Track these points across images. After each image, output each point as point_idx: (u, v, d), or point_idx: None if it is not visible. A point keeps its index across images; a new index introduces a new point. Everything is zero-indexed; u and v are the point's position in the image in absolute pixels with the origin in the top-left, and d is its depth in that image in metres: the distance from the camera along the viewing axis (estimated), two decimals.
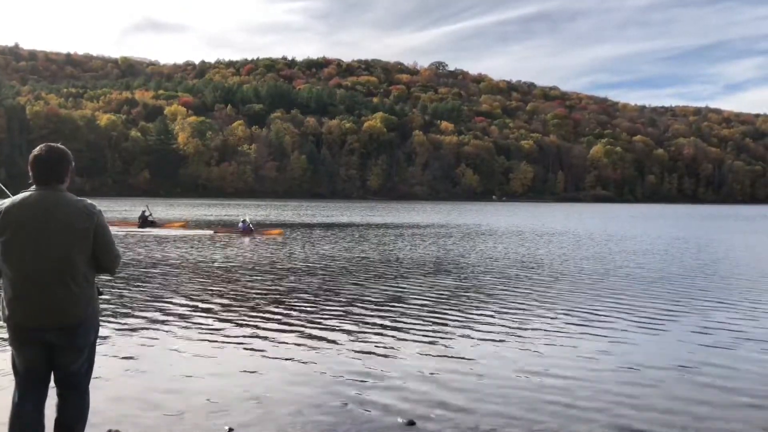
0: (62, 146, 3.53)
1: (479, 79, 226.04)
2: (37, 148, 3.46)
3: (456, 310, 10.19)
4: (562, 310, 10.30)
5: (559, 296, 11.81)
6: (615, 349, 7.72)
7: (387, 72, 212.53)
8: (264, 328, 8.51)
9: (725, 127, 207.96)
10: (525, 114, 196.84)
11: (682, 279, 14.73)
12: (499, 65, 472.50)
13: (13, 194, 3.44)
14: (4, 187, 3.68)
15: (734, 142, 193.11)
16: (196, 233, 27.60)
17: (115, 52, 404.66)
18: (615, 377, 6.51)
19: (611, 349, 7.72)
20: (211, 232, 28.65)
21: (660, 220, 52.61)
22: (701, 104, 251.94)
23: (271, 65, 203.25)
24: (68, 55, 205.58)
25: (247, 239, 24.73)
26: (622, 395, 5.88)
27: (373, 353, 7.27)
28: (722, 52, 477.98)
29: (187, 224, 32.35)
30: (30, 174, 3.41)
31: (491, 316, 9.66)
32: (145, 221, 29.53)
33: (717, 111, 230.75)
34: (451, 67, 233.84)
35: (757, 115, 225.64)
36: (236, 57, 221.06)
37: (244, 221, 27.75)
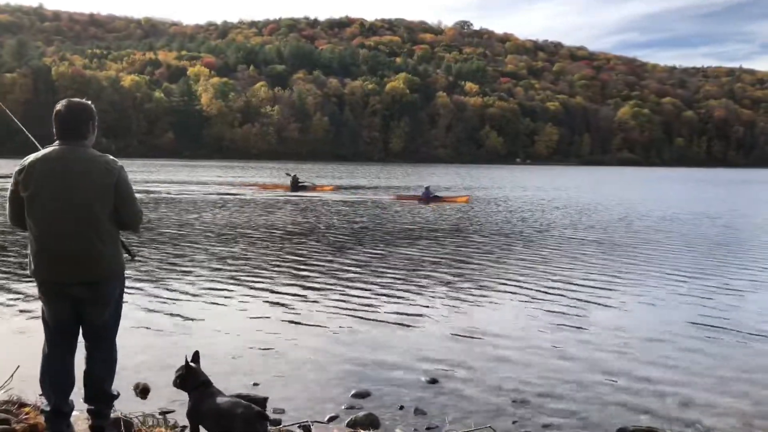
0: (85, 101, 3.48)
1: (505, 38, 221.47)
2: (59, 103, 3.43)
3: (478, 273, 10.18)
4: (582, 273, 10.23)
5: (579, 259, 11.73)
6: (634, 312, 7.66)
7: (410, 31, 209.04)
8: (294, 291, 8.58)
9: (759, 88, 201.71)
10: (551, 75, 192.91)
11: (701, 249, 14.50)
12: (526, 24, 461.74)
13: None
14: (35, 141, 3.66)
15: None
16: (377, 198, 27.08)
17: (137, 12, 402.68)
18: (633, 338, 6.46)
19: (631, 311, 7.66)
20: (391, 197, 27.49)
21: (687, 185, 51.68)
22: (736, 64, 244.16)
23: (293, 25, 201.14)
24: (92, 15, 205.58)
25: (426, 207, 23.39)
26: (641, 358, 5.84)
27: (397, 314, 7.31)
28: (759, 9, 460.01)
29: (336, 188, 32.47)
30: (54, 130, 3.39)
31: (513, 279, 9.62)
32: (296, 185, 31.04)
33: (751, 72, 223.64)
34: (476, 26, 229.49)
35: None
36: (258, 17, 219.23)
37: (427, 188, 26.48)
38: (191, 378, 3.48)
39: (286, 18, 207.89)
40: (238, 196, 26.58)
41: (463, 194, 27.69)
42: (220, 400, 3.34)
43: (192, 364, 3.53)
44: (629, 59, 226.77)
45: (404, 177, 53.66)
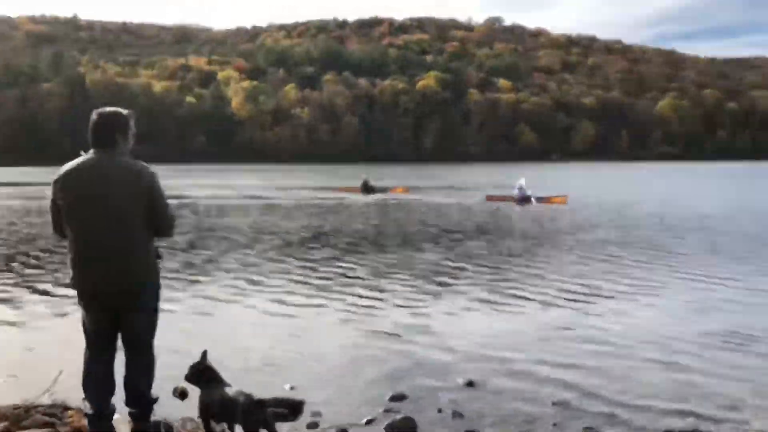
0: (118, 109, 3.54)
1: (537, 33, 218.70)
2: (94, 112, 3.50)
3: (514, 276, 10.05)
4: (621, 274, 10.07)
5: (618, 261, 11.51)
6: (676, 313, 7.46)
7: (440, 29, 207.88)
8: (330, 292, 8.60)
9: None
10: (586, 69, 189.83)
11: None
12: (559, 18, 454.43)
13: None
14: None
15: None
16: (465, 202, 25.12)
17: (168, 19, 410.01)
18: (675, 340, 6.27)
19: (673, 313, 7.46)
20: (481, 198, 25.65)
21: (728, 181, 50.31)
22: None
23: (322, 27, 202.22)
24: (124, 23, 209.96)
25: (518, 208, 21.67)
26: (684, 360, 5.68)
27: (432, 316, 7.26)
28: None
29: (408, 189, 32.71)
30: (88, 138, 3.46)
31: (549, 281, 9.49)
32: (367, 188, 31.56)
33: None
34: (507, 22, 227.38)
35: None
36: (288, 20, 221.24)
37: (520, 187, 23.56)
38: (206, 374, 3.67)
39: (316, 20, 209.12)
40: (310, 201, 26.54)
41: (561, 194, 24.02)
42: (224, 391, 3.50)
43: (209, 363, 3.72)
44: (667, 51, 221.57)
45: (454, 176, 53.51)
